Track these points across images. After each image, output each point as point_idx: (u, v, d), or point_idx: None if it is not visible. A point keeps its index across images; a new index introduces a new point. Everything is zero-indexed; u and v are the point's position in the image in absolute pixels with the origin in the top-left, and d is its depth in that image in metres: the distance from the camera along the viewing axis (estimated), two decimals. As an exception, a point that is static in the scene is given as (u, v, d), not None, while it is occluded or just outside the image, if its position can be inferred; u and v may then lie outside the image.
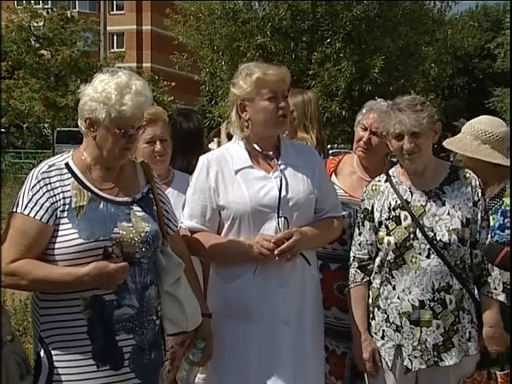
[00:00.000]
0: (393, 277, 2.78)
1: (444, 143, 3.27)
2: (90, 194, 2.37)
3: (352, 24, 15.72)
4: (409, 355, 2.76)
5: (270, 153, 2.79)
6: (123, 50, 34.15)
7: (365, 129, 3.20)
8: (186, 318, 2.50)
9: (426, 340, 2.74)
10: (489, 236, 2.84)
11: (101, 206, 2.37)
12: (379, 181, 2.93)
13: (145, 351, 2.40)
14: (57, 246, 2.29)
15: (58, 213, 2.31)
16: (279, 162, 2.77)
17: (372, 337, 2.86)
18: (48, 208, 2.30)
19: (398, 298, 2.77)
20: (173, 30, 17.94)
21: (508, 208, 3.04)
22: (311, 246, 2.79)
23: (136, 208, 2.43)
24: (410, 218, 2.77)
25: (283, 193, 2.69)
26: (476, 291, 2.84)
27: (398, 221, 2.79)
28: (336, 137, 17.89)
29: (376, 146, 3.16)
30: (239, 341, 2.69)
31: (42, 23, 25.96)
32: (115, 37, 44.93)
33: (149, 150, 3.22)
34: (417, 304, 2.74)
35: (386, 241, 2.78)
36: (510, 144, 3.12)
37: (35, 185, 2.33)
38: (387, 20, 16.53)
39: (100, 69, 2.77)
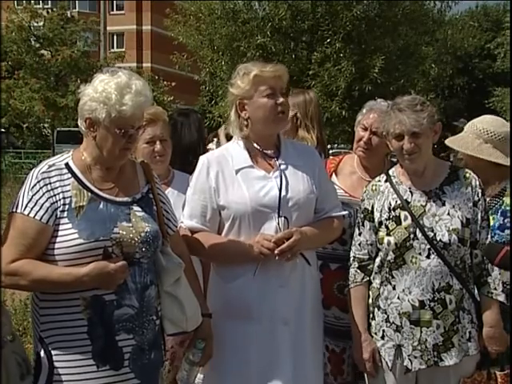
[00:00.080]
0: (393, 277, 2.78)
1: (446, 141, 3.27)
2: (89, 194, 2.37)
3: (352, 24, 15.71)
4: (409, 355, 2.76)
5: (271, 152, 2.79)
6: (123, 49, 34.13)
7: (365, 129, 3.20)
8: (186, 318, 2.50)
9: (426, 340, 2.74)
10: (489, 236, 2.84)
11: (101, 206, 2.36)
12: (379, 181, 2.93)
13: (145, 351, 2.40)
14: (57, 246, 2.29)
15: (58, 213, 2.31)
16: (279, 162, 2.77)
17: (372, 337, 2.86)
18: (48, 208, 2.30)
19: (398, 298, 2.77)
20: (173, 30, 17.93)
21: (508, 208, 3.04)
22: (311, 246, 2.79)
23: (136, 208, 2.43)
24: (410, 218, 2.77)
25: (283, 192, 2.69)
26: (476, 291, 2.84)
27: (398, 221, 2.79)
28: (336, 137, 17.89)
29: (376, 146, 3.16)
30: (239, 341, 2.69)
31: (42, 23, 25.95)
32: (115, 37, 44.93)
33: (149, 150, 3.22)
34: (417, 304, 2.74)
35: (386, 241, 2.78)
36: (510, 144, 3.12)
37: (35, 185, 2.32)
38: (387, 20, 16.51)
39: (100, 69, 2.77)
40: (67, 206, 2.32)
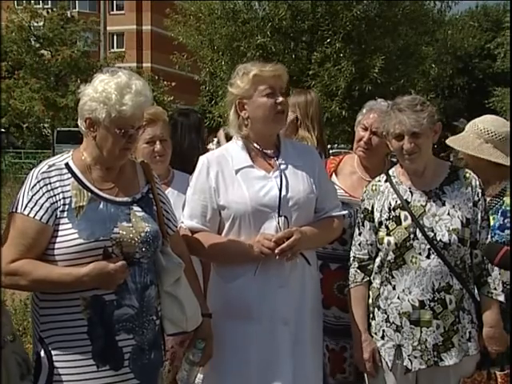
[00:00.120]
0: (393, 277, 2.78)
1: (447, 141, 3.27)
2: (89, 194, 2.37)
3: (352, 24, 15.70)
4: (409, 355, 2.76)
5: (270, 152, 2.79)
6: (123, 49, 34.10)
7: (365, 129, 3.21)
8: (186, 318, 2.50)
9: (426, 340, 2.74)
10: (489, 236, 2.84)
11: (101, 206, 2.36)
12: (379, 181, 2.93)
13: (145, 351, 2.40)
14: (57, 246, 2.29)
15: (58, 213, 2.31)
16: (279, 162, 2.77)
17: (372, 337, 2.86)
18: (48, 208, 2.30)
19: (398, 298, 2.77)
20: (173, 31, 17.92)
21: (508, 208, 3.04)
22: (311, 246, 2.79)
23: (136, 208, 2.43)
24: (410, 218, 2.77)
25: (283, 192, 2.69)
26: (476, 291, 2.84)
27: (398, 221, 2.79)
28: (336, 137, 17.87)
29: (376, 146, 3.17)
30: (239, 341, 2.69)
31: (42, 23, 25.93)
32: (115, 37, 44.93)
33: (149, 150, 3.22)
34: (417, 304, 2.74)
35: (386, 241, 2.78)
36: (510, 144, 3.12)
37: (35, 185, 2.32)
38: (387, 20, 16.49)
39: (100, 69, 2.77)
40: (67, 206, 2.32)
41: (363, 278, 2.89)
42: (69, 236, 2.29)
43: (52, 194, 2.32)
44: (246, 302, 2.68)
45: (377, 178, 2.96)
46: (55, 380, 2.31)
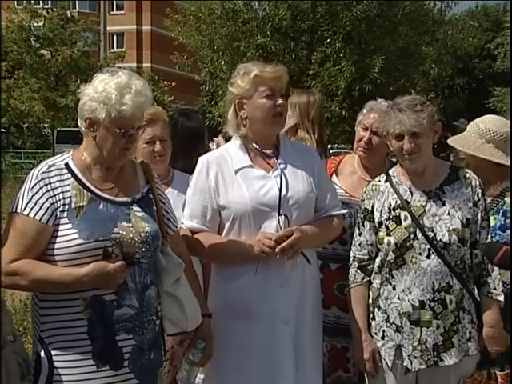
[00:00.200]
0: (393, 277, 2.78)
1: (448, 141, 3.27)
2: (89, 194, 2.36)
3: (352, 24, 15.71)
4: (409, 355, 2.76)
5: (270, 151, 2.79)
6: (123, 49, 34.10)
7: (365, 129, 3.20)
8: (186, 318, 2.50)
9: (426, 340, 2.74)
10: (489, 236, 2.84)
11: (101, 206, 2.36)
12: (379, 181, 2.93)
13: (144, 351, 2.40)
14: (57, 246, 2.29)
15: (58, 213, 2.31)
16: (279, 161, 2.77)
17: (372, 337, 2.86)
18: (48, 208, 2.30)
19: (398, 298, 2.77)
20: (173, 31, 17.93)
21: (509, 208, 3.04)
22: (312, 245, 2.79)
23: (136, 208, 2.43)
24: (410, 218, 2.77)
25: (283, 192, 2.69)
26: (476, 291, 2.84)
27: (398, 221, 2.79)
28: (336, 137, 17.88)
29: (377, 146, 3.17)
30: (239, 341, 2.69)
31: (42, 23, 25.94)
32: (115, 37, 44.91)
33: (148, 150, 3.22)
34: (417, 304, 2.74)
35: (386, 241, 2.78)
36: (510, 144, 3.11)
37: (35, 185, 2.32)
38: (387, 20, 16.51)
39: (100, 69, 2.77)
40: (67, 206, 2.32)
41: (363, 278, 2.88)
42: (69, 236, 2.29)
43: (52, 194, 2.32)
44: (246, 302, 2.68)
45: (377, 178, 2.96)
46: (55, 380, 2.31)
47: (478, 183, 2.83)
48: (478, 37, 32.77)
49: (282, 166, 2.76)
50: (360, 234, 2.91)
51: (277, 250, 2.60)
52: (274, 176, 2.73)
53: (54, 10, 27.21)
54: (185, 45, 17.77)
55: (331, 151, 13.37)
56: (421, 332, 2.74)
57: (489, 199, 3.04)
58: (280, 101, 2.71)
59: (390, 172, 2.93)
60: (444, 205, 2.78)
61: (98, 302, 2.30)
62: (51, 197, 2.32)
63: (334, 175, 3.32)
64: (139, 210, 2.44)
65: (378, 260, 2.85)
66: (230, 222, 2.72)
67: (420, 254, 2.74)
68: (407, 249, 2.75)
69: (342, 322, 3.12)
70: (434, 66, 17.93)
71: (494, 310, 2.80)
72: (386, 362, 2.82)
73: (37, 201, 2.30)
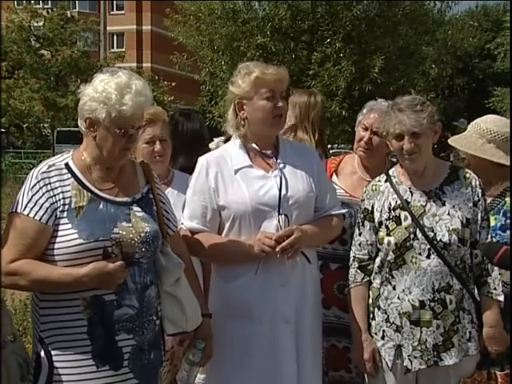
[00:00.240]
0: (393, 277, 2.78)
1: (449, 141, 3.27)
2: (89, 194, 2.36)
3: (352, 24, 15.71)
4: (409, 355, 2.76)
5: (269, 152, 2.79)
6: (123, 49, 34.11)
7: (366, 129, 3.20)
8: (186, 318, 2.50)
9: (426, 340, 2.74)
10: (489, 236, 2.84)
11: (100, 206, 2.36)
12: (379, 181, 2.93)
13: (144, 351, 2.40)
14: (56, 246, 2.29)
15: (58, 213, 2.31)
16: (278, 161, 2.77)
17: (372, 337, 2.86)
18: (47, 208, 2.30)
19: (398, 298, 2.77)
20: (173, 31, 17.93)
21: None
22: (312, 244, 2.79)
23: (136, 208, 2.43)
24: (410, 218, 2.77)
25: (283, 191, 2.70)
26: (476, 291, 2.84)
27: (398, 221, 2.79)
28: (336, 137, 17.89)
29: (377, 146, 3.17)
30: (240, 341, 2.69)
31: (42, 23, 25.94)
32: (115, 37, 44.91)
33: (148, 150, 3.22)
34: (417, 304, 2.74)
35: (386, 241, 2.78)
36: (510, 144, 3.11)
37: (35, 185, 2.32)
38: (387, 20, 16.51)
39: (100, 69, 2.77)
40: (67, 207, 2.32)
41: (363, 278, 2.88)
42: (68, 236, 2.29)
43: (52, 194, 2.32)
44: (246, 302, 2.68)
45: (377, 178, 2.96)
46: (55, 380, 2.31)
47: (478, 183, 2.83)
48: (478, 37, 32.79)
49: (282, 165, 2.76)
50: (360, 234, 2.91)
51: (277, 249, 2.60)
52: (274, 176, 2.74)
53: (54, 9, 27.22)
54: (185, 45, 17.77)
55: (331, 151, 13.36)
56: (421, 332, 2.74)
57: (489, 199, 3.04)
58: (280, 103, 2.71)
59: (390, 172, 2.93)
60: (444, 205, 2.78)
61: (98, 302, 2.30)
62: (51, 197, 2.32)
63: (334, 175, 3.32)
64: (139, 210, 2.44)
65: (378, 260, 2.85)
66: (230, 222, 2.72)
67: (420, 254, 2.74)
68: (407, 249, 2.75)
69: (342, 322, 3.12)
70: (433, 66, 17.94)
71: (494, 310, 2.80)
72: (386, 362, 2.81)
73: (37, 201, 2.30)
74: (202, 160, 2.80)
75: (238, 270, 2.71)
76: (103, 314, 2.31)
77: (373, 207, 2.88)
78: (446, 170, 2.87)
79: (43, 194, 2.31)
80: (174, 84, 26.95)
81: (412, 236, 2.74)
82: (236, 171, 2.74)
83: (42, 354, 2.32)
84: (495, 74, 36.57)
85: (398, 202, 2.81)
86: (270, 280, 2.68)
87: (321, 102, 3.94)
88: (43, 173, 2.35)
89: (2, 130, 29.24)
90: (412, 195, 2.82)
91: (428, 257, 2.73)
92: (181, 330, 2.54)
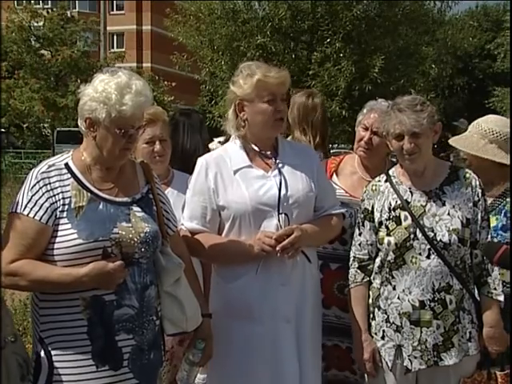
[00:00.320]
0: (393, 277, 2.78)
1: (450, 141, 3.27)
2: (89, 194, 2.36)
3: (352, 24, 15.72)
4: (409, 355, 2.76)
5: (268, 153, 2.79)
6: (123, 50, 34.10)
7: (366, 129, 3.20)
8: (186, 318, 2.50)
9: (427, 340, 2.74)
10: (489, 236, 2.84)
11: (100, 206, 2.36)
12: (379, 181, 2.93)
13: (144, 351, 2.39)
14: (56, 246, 2.29)
15: (58, 213, 2.31)
16: (277, 162, 2.77)
17: (372, 337, 2.86)
18: (47, 208, 2.30)
19: (399, 298, 2.77)
20: (173, 31, 17.93)
21: None
22: (312, 243, 2.79)
23: (136, 208, 2.43)
24: (410, 218, 2.77)
25: (283, 191, 2.70)
26: (476, 291, 2.84)
27: (398, 221, 2.79)
28: (336, 137, 17.88)
29: (377, 146, 3.16)
30: (241, 341, 2.69)
31: (42, 23, 25.95)
32: (115, 37, 44.92)
33: (148, 150, 3.22)
34: (417, 304, 2.74)
35: (386, 241, 2.78)
36: (510, 144, 3.11)
37: (35, 185, 2.32)
38: (387, 20, 16.52)
39: (100, 69, 2.77)
40: (67, 207, 2.32)
41: (363, 278, 2.88)
42: (68, 236, 2.29)
43: (52, 194, 2.32)
44: (247, 302, 2.68)
45: (377, 178, 2.96)
46: (55, 380, 2.31)
47: (478, 183, 2.83)
48: (478, 37, 32.79)
49: (281, 165, 2.76)
50: (360, 234, 2.91)
51: (277, 248, 2.60)
52: (273, 176, 2.74)
53: (54, 10, 27.23)
54: (185, 45, 17.77)
55: (331, 151, 13.34)
56: (421, 332, 2.74)
57: (491, 199, 3.05)
58: (281, 107, 2.71)
59: (390, 172, 2.93)
60: (444, 205, 2.78)
61: (98, 302, 2.30)
62: (51, 197, 2.32)
63: (334, 175, 3.32)
64: (139, 210, 2.43)
65: (378, 260, 2.85)
66: (230, 222, 2.72)
67: (420, 254, 2.73)
68: (407, 249, 2.75)
69: (343, 322, 3.12)
70: (433, 66, 17.92)
71: (494, 310, 2.80)
72: (386, 362, 2.81)
73: (36, 201, 2.30)
74: (201, 160, 2.80)
75: (239, 269, 2.71)
76: (103, 314, 2.31)
77: (373, 207, 2.88)
78: (446, 170, 2.87)
79: (43, 194, 2.31)
80: (174, 84, 26.97)
81: (412, 236, 2.74)
82: (235, 171, 2.74)
83: (42, 354, 2.32)
84: (495, 74, 36.57)
85: (398, 202, 2.81)
86: (270, 279, 2.68)
87: (321, 104, 3.88)
88: (43, 173, 2.35)
89: (2, 130, 29.25)
90: (412, 195, 2.82)
91: (428, 257, 2.73)
92: (181, 330, 2.53)
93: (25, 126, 29.51)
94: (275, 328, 2.68)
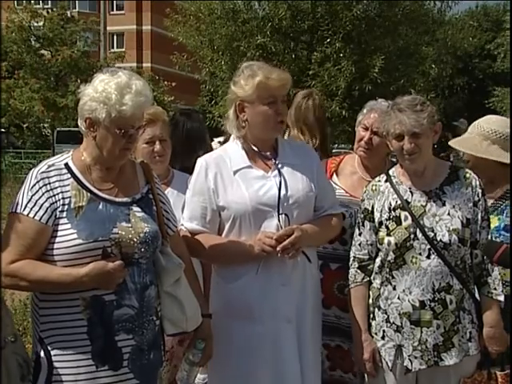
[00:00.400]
0: (393, 277, 2.78)
1: (451, 143, 3.26)
2: (89, 194, 2.36)
3: (352, 24, 15.71)
4: (409, 355, 2.76)
5: (268, 153, 2.79)
6: (123, 50, 34.11)
7: (366, 129, 3.20)
8: (186, 318, 2.50)
9: (427, 340, 2.74)
10: (489, 236, 2.84)
11: (100, 206, 2.36)
12: (379, 181, 2.93)
13: (144, 351, 2.39)
14: (56, 246, 2.29)
15: (58, 213, 2.31)
16: (277, 162, 2.77)
17: (372, 337, 2.86)
18: (47, 208, 2.30)
19: (399, 298, 2.77)
20: (173, 31, 17.92)
21: None
22: (312, 243, 2.79)
23: (135, 208, 2.43)
24: (410, 218, 2.77)
25: (283, 191, 2.69)
26: (476, 291, 2.84)
27: (398, 221, 2.79)
28: (336, 137, 17.86)
29: (377, 146, 3.16)
30: (242, 341, 2.69)
31: (42, 23, 25.95)
32: (115, 37, 44.93)
33: (148, 150, 3.22)
34: (417, 304, 2.74)
35: (386, 241, 2.78)
36: (510, 144, 3.11)
37: (34, 185, 2.32)
38: (387, 20, 16.51)
39: (100, 69, 2.77)
40: (66, 207, 2.32)
41: (363, 278, 2.88)
42: (68, 236, 2.29)
43: (51, 194, 2.32)
44: (247, 302, 2.68)
45: (377, 178, 2.96)
46: (54, 380, 2.30)
47: (478, 183, 2.83)
48: (478, 37, 32.76)
49: (281, 166, 2.76)
50: (360, 234, 2.91)
51: (278, 248, 2.60)
52: (273, 176, 2.73)
53: (54, 10, 27.23)
54: (185, 45, 17.77)
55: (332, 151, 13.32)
56: (421, 332, 2.74)
57: (491, 201, 3.04)
58: (281, 109, 2.71)
59: (390, 172, 2.93)
60: (444, 205, 2.78)
61: (98, 302, 2.30)
62: (51, 197, 2.32)
63: (334, 175, 3.32)
64: (139, 210, 2.43)
65: (378, 260, 2.85)
66: (231, 223, 2.72)
67: (420, 254, 2.73)
68: (407, 249, 2.75)
69: (343, 323, 3.12)
70: (434, 66, 17.91)
71: (495, 310, 2.80)
72: (386, 362, 2.81)
73: (36, 201, 2.30)
74: (201, 161, 2.80)
75: (239, 270, 2.70)
76: (103, 314, 2.31)
77: (373, 207, 2.88)
78: (446, 170, 2.86)
79: (43, 194, 2.31)
80: (174, 84, 26.96)
81: (412, 236, 2.74)
82: (235, 172, 2.74)
83: (42, 354, 2.32)
84: (495, 74, 36.56)
85: (398, 202, 2.81)
86: (270, 280, 2.67)
87: (318, 105, 3.82)
88: (43, 173, 2.35)
89: (2, 130, 29.26)
90: (412, 195, 2.81)
91: (428, 257, 2.73)
92: (181, 330, 2.53)
93: (25, 126, 29.51)
94: (276, 328, 2.68)
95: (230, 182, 2.72)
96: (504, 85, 31.89)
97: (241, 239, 2.70)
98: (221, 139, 4.55)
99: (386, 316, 2.80)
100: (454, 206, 2.77)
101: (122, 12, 46.50)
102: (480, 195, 2.82)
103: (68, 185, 2.35)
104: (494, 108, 31.02)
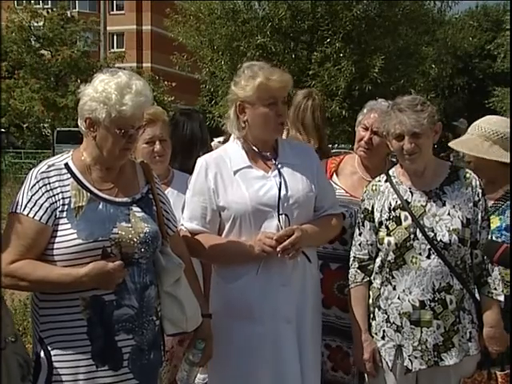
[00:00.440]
0: (393, 277, 2.78)
1: (452, 145, 3.26)
2: (89, 194, 2.36)
3: (352, 24, 15.70)
4: (409, 355, 2.76)
5: (268, 153, 2.79)
6: (123, 50, 34.09)
7: (366, 129, 3.20)
8: (186, 319, 2.50)
9: (427, 340, 2.74)
10: (489, 236, 2.84)
11: (100, 206, 2.36)
12: (379, 181, 2.93)
13: (144, 351, 2.39)
14: (56, 246, 2.29)
15: (57, 213, 2.31)
16: (277, 162, 2.77)
17: (372, 337, 2.86)
18: (47, 208, 2.30)
19: (399, 298, 2.77)
20: (173, 31, 17.92)
21: None
22: (312, 243, 2.79)
23: (135, 208, 2.43)
24: (410, 218, 2.77)
25: (283, 191, 2.69)
26: (476, 291, 2.84)
27: (398, 221, 2.78)
28: (336, 137, 17.85)
29: (377, 146, 3.16)
30: (242, 341, 2.69)
31: (42, 23, 25.95)
32: (115, 37, 44.93)
33: (148, 150, 3.22)
34: (417, 304, 2.74)
35: (386, 241, 2.78)
36: (510, 144, 3.11)
37: (34, 185, 2.32)
38: (387, 20, 16.49)
39: (100, 69, 2.77)
40: (66, 207, 2.32)
41: (363, 278, 2.88)
42: (68, 236, 2.29)
43: (51, 194, 2.32)
44: (247, 302, 2.68)
45: (377, 178, 2.96)
46: (54, 380, 2.31)
47: (478, 183, 2.83)
48: (478, 37, 32.78)
49: (281, 166, 2.76)
50: (360, 234, 2.91)
51: (278, 249, 2.60)
52: (273, 176, 2.73)
53: (54, 10, 27.22)
54: (185, 45, 17.76)
55: (331, 151, 13.31)
56: (421, 332, 2.74)
57: (492, 201, 3.04)
58: (282, 110, 2.71)
59: (390, 172, 2.92)
60: (444, 205, 2.78)
61: (98, 302, 2.30)
62: (50, 197, 2.32)
63: (334, 175, 3.32)
64: (139, 210, 2.43)
65: (378, 260, 2.85)
66: (231, 223, 2.72)
67: (420, 254, 2.73)
68: (407, 249, 2.75)
69: (343, 323, 3.12)
70: (433, 66, 17.90)
71: (495, 310, 2.80)
72: (387, 362, 2.81)
73: (36, 201, 2.30)
74: (201, 161, 2.80)
75: (239, 270, 2.70)
76: (103, 314, 2.31)
77: (373, 207, 2.88)
78: (446, 170, 2.86)
79: (43, 193, 2.31)
80: (174, 84, 26.96)
81: (412, 236, 2.74)
82: (235, 172, 2.73)
83: (42, 354, 2.32)
84: (495, 74, 36.54)
85: (398, 202, 2.81)
86: (271, 280, 2.67)
87: (317, 106, 3.81)
88: (42, 173, 2.35)
89: (2, 130, 29.26)
90: (412, 195, 2.81)
91: (428, 257, 2.73)
92: (181, 330, 2.53)
93: (25, 126, 29.50)
94: (276, 328, 2.68)
95: (230, 182, 2.72)
96: (504, 85, 31.87)
97: (241, 239, 2.70)
98: (221, 139, 4.55)
99: (386, 316, 2.80)
100: (454, 206, 2.77)
101: (122, 12, 46.51)
102: (480, 195, 2.82)
103: (68, 185, 2.35)
104: (494, 108, 31.01)
